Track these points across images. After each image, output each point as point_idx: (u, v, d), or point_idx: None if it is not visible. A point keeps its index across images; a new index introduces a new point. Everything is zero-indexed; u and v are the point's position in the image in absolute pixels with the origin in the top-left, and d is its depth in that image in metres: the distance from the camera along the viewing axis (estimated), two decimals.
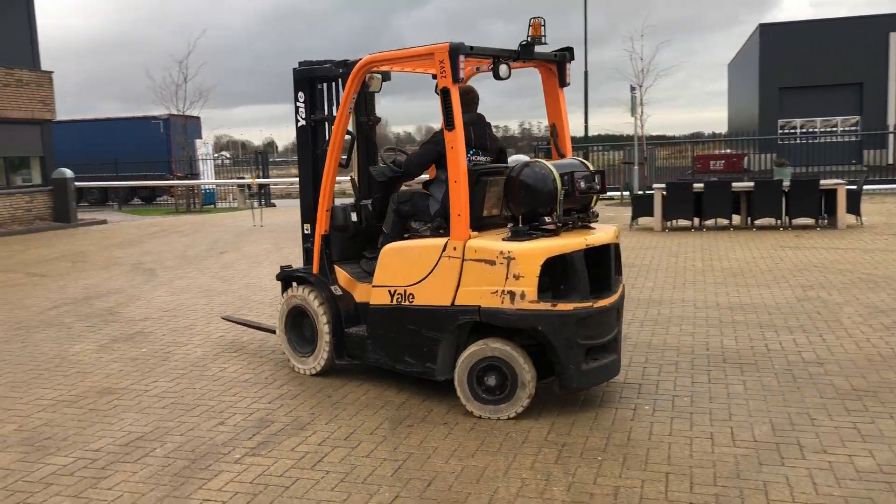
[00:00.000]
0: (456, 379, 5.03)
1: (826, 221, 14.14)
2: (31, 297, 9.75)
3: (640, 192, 15.94)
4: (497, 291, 4.81)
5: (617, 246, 5.38)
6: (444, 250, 5.04)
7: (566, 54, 5.66)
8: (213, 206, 29.40)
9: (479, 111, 5.60)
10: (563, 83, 5.75)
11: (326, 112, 6.09)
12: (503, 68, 5.14)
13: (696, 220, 14.65)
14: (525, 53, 5.30)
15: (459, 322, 5.00)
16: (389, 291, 5.33)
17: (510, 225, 5.16)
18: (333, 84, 6.09)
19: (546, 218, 4.99)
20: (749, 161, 36.06)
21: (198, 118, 34.54)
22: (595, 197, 5.40)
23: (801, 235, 13.15)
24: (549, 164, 5.09)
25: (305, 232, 6.14)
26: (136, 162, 30.88)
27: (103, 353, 6.87)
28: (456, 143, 4.95)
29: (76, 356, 6.80)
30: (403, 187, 6.09)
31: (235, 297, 9.31)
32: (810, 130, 39.44)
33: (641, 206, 15.04)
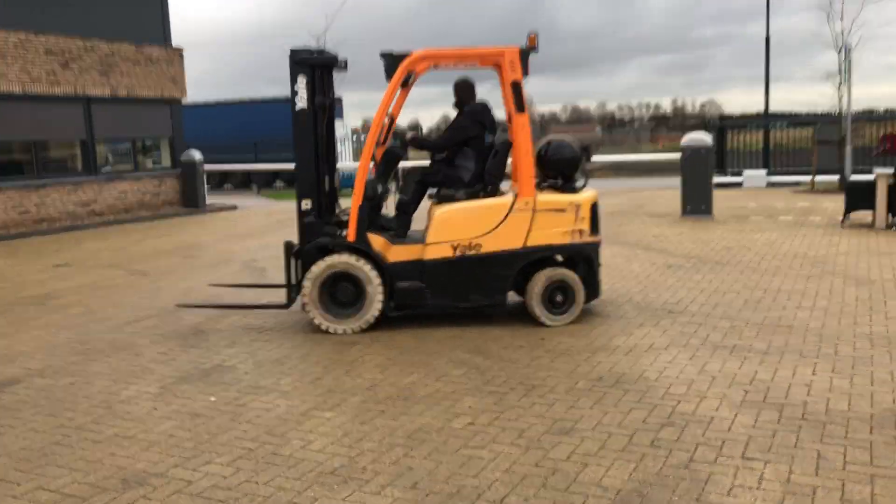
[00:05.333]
0: (534, 300, 6.61)
1: None
2: (116, 305, 8.27)
3: (853, 180, 12.84)
4: (568, 231, 6.61)
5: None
6: (512, 206, 6.56)
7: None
8: (351, 188, 28.18)
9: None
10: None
11: (325, 97, 6.61)
12: None
13: None
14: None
15: (531, 259, 6.63)
16: (452, 245, 6.55)
17: (547, 182, 6.96)
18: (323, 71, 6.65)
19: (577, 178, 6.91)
20: None
21: (339, 99, 33.59)
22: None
23: None
24: (569, 138, 7.11)
25: (304, 208, 6.66)
26: (279, 144, 30.10)
27: (161, 402, 5.09)
28: (526, 124, 6.60)
29: (124, 406, 5.06)
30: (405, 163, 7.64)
31: None
32: None
33: (856, 197, 11.99)
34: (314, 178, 6.68)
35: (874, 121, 23.02)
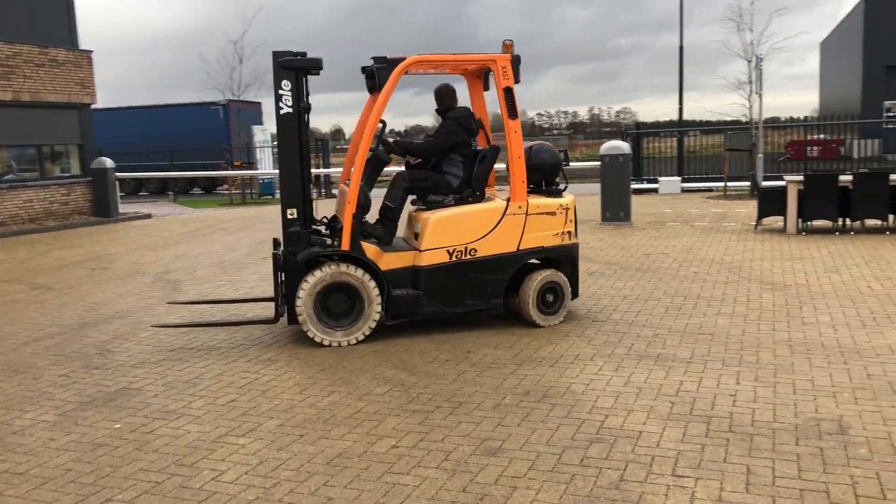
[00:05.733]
0: (529, 302, 6.71)
1: None
2: (15, 323, 7.74)
3: (765, 186, 13.19)
4: (559, 233, 6.85)
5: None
6: (506, 210, 6.65)
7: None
8: (271, 196, 27.60)
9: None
10: (485, 87, 7.38)
11: (304, 101, 6.46)
12: None
13: (840, 221, 11.89)
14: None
15: (524, 262, 6.78)
16: (448, 251, 6.53)
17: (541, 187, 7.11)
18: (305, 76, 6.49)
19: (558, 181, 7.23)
20: (847, 148, 32.53)
21: (258, 104, 32.86)
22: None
23: None
24: (548, 144, 7.41)
25: (289, 217, 6.38)
26: (195, 150, 29.21)
27: (58, 432, 4.71)
28: (518, 129, 6.70)
29: (17, 437, 4.66)
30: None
31: (265, 329, 7.09)
32: None
33: (768, 203, 12.32)
34: (299, 185, 6.43)
35: (779, 128, 23.91)
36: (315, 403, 5.04)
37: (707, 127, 22.35)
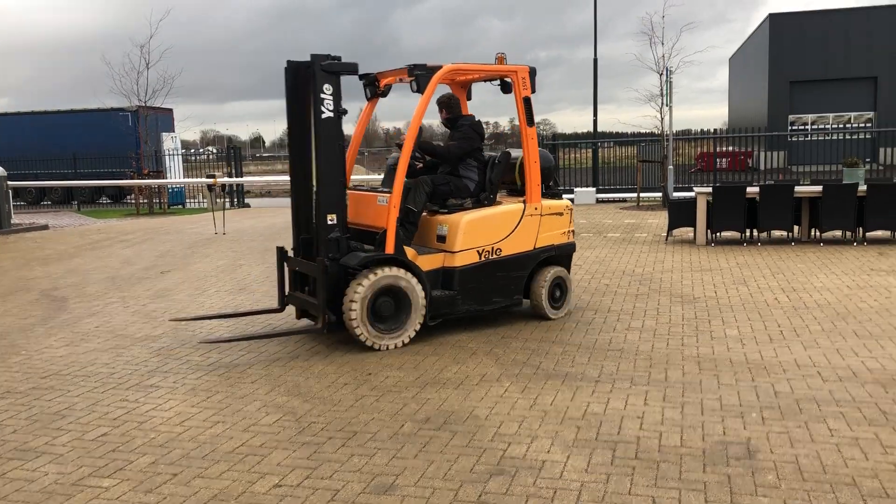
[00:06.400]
0: (542, 297, 7.21)
1: None
2: None
3: (674, 198, 13.30)
4: (565, 232, 7.41)
5: None
6: (524, 211, 7.08)
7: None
8: (181, 206, 26.59)
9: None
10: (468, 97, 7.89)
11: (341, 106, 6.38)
12: None
13: (748, 232, 12.05)
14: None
15: (540, 259, 7.23)
16: (477, 251, 6.79)
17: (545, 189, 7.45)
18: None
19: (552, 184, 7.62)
20: (754, 159, 33.63)
21: (170, 110, 31.67)
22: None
23: (886, 253, 10.56)
24: (544, 150, 7.59)
25: (329, 222, 6.34)
26: (101, 158, 27.89)
27: None
28: (534, 136, 7.20)
29: None
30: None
31: (152, 351, 6.58)
32: (822, 127, 37.10)
33: (678, 215, 12.40)
34: (340, 191, 6.42)
35: (690, 140, 24.42)
36: (195, 436, 4.61)
37: (621, 139, 22.61)
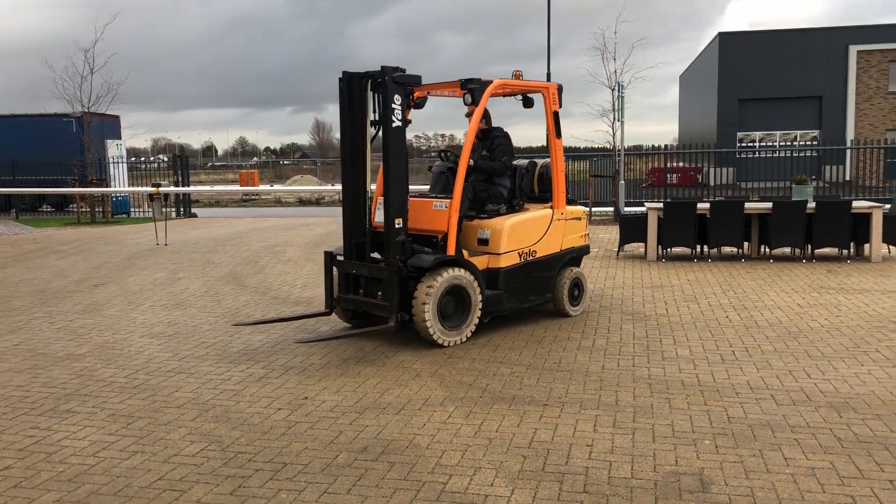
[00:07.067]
0: (564, 295, 7.85)
1: (852, 252, 11.65)
2: None
3: (625, 213, 13.21)
4: (583, 235, 8.21)
5: None
6: (553, 216, 7.74)
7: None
8: (126, 215, 25.80)
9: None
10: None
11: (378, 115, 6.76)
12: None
13: (698, 248, 12.00)
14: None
15: (565, 260, 7.91)
16: (518, 253, 7.33)
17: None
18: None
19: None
20: (704, 175, 34.07)
21: (116, 117, 30.77)
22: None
23: (835, 270, 10.57)
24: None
25: (397, 226, 6.64)
26: (43, 165, 26.88)
27: None
28: (561, 147, 7.91)
29: None
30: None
31: (73, 372, 6.14)
32: (769, 144, 37.78)
33: (630, 230, 12.30)
34: (405, 197, 6.75)
35: (642, 155, 24.56)
36: (109, 469, 4.22)
37: (574, 153, 22.60)
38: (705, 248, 12.03)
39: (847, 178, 28.50)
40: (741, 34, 39.26)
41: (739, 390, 5.46)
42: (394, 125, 6.58)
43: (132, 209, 26.45)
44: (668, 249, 12.01)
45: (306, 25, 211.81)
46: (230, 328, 7.63)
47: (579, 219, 8.07)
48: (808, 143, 37.92)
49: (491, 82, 7.08)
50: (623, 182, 18.34)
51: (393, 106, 6.54)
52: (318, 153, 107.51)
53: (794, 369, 5.95)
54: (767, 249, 11.74)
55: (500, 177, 7.66)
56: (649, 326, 7.51)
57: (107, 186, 25.19)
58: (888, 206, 11.62)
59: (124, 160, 28.03)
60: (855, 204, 11.17)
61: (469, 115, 7.28)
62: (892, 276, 10.03)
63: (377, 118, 6.77)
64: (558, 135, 7.81)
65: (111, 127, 29.99)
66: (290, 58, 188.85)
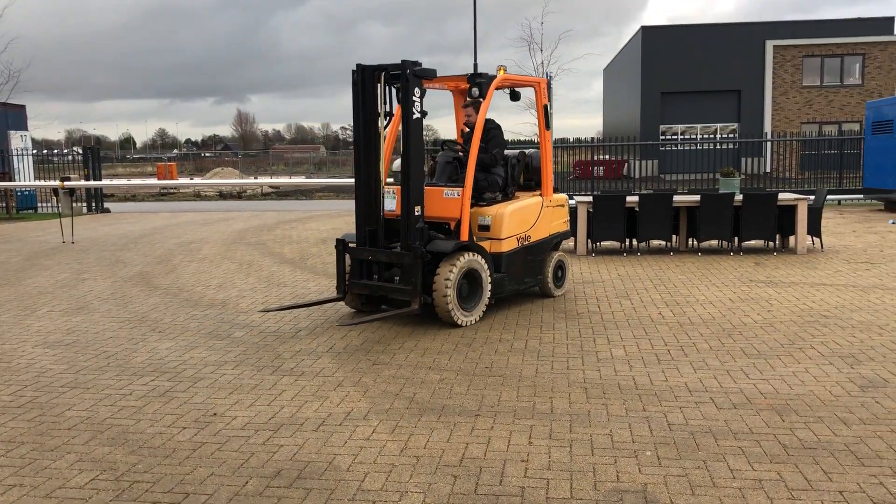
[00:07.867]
0: (549, 277, 8.37)
1: (777, 244, 11.71)
2: None
3: None
4: (565, 221, 8.68)
5: None
6: (543, 203, 8.20)
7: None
8: (32, 211, 24.41)
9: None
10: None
11: (389, 107, 7.17)
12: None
13: (627, 242, 11.87)
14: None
15: (552, 244, 8.44)
16: (517, 238, 7.84)
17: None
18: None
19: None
20: (629, 168, 34.48)
21: (22, 107, 29.10)
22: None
23: (763, 263, 10.57)
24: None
25: (416, 214, 6.92)
26: None
27: None
28: (549, 138, 8.42)
29: None
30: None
31: None
32: (690, 137, 38.49)
33: None
34: (422, 185, 7.04)
35: (568, 148, 24.55)
36: None
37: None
38: (634, 242, 11.92)
39: (768, 170, 29.19)
40: (663, 28, 39.88)
41: (678, 393, 5.22)
42: (414, 117, 6.87)
43: (39, 204, 25.06)
44: (598, 243, 11.84)
45: (227, 15, 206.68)
46: (133, 336, 7.03)
47: (563, 206, 8.53)
48: (728, 135, 38.83)
49: (496, 77, 7.60)
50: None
51: (413, 98, 6.84)
52: (241, 145, 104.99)
53: (732, 369, 5.76)
54: (695, 242, 11.70)
55: (496, 166, 7.96)
56: (582, 325, 7.25)
57: (10, 180, 23.76)
58: (812, 198, 11.72)
59: (30, 152, 26.51)
60: (780, 196, 11.20)
61: (467, 105, 7.89)
62: (819, 269, 10.08)
63: (389, 109, 7.12)
64: (548, 126, 8.29)
65: (15, 117, 28.33)
66: (211, 48, 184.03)
